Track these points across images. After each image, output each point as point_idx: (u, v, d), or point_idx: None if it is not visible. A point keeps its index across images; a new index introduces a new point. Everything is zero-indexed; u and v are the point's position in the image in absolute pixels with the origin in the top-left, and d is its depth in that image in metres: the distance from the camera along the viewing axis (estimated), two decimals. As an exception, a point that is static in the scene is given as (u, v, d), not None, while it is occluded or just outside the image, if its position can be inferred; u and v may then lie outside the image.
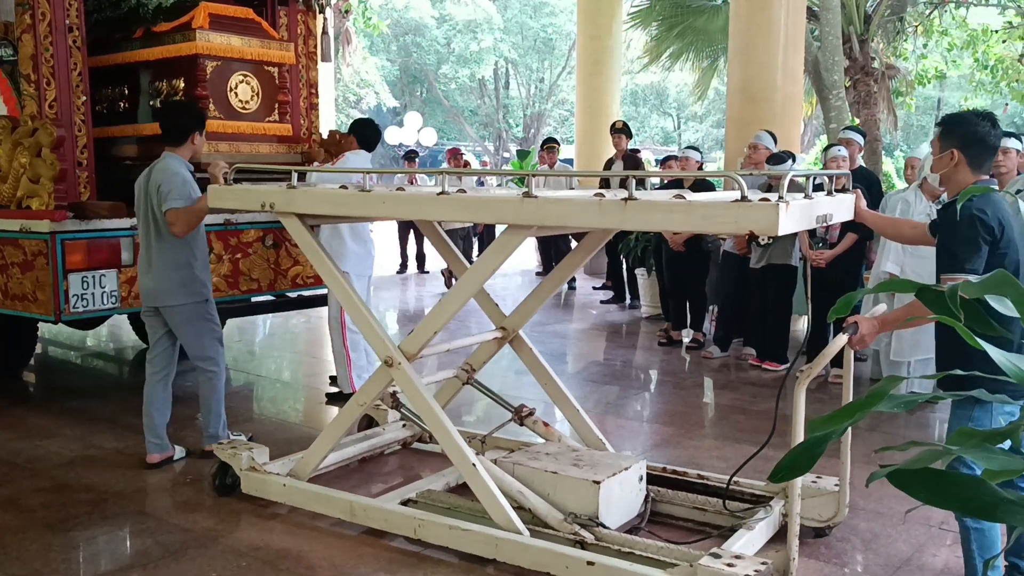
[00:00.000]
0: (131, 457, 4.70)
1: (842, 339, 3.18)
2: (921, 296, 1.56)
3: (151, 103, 5.87)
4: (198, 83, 5.56)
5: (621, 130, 9.54)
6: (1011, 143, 4.93)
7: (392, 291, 11.78)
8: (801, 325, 8.03)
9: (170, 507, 4.04)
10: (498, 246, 3.53)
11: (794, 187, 3.14)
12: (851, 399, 3.69)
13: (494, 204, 3.46)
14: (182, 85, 5.68)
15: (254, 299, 6.16)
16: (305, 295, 6.39)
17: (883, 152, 13.80)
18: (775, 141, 7.10)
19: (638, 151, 11.35)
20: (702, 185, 6.51)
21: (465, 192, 3.56)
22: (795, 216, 2.87)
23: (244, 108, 5.84)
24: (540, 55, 34.53)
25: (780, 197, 2.79)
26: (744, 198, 2.81)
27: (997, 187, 3.09)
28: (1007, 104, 17.17)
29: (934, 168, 3.04)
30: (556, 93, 34.55)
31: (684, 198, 2.98)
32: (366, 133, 5.85)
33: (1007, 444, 1.64)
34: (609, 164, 9.87)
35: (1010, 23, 13.82)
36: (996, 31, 14.29)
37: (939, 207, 2.79)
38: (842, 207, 3.44)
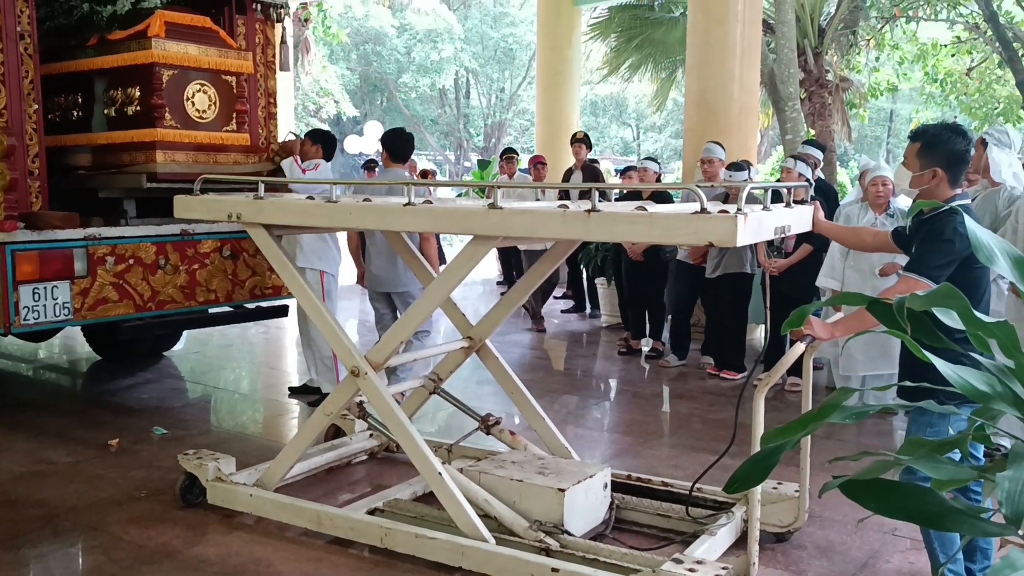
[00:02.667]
0: (84, 471, 4.62)
1: (799, 348, 3.24)
2: (871, 309, 1.60)
3: (105, 112, 5.78)
4: (154, 92, 5.49)
5: (581, 140, 9.59)
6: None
7: (353, 300, 11.71)
8: (759, 334, 8.13)
9: (124, 521, 3.96)
10: (464, 257, 3.55)
11: (753, 198, 3.20)
12: (809, 407, 3.76)
13: (460, 215, 3.48)
14: (137, 94, 5.60)
15: (212, 310, 6.09)
16: (263, 306, 6.33)
17: (838, 162, 14.05)
18: (724, 150, 7.19)
19: (597, 161, 11.43)
20: (661, 196, 6.58)
21: (431, 203, 3.57)
22: (753, 228, 2.91)
23: (201, 117, 5.78)
24: (501, 65, 34.63)
25: (738, 209, 2.83)
26: (703, 210, 2.85)
27: (969, 200, 3.17)
28: (956, 116, 17.57)
29: (913, 184, 3.07)
30: (517, 103, 34.66)
31: (646, 210, 3.03)
32: (327, 142, 5.94)
33: (958, 453, 1.68)
34: (568, 174, 9.92)
35: (958, 38, 14.18)
36: (945, 45, 14.66)
37: (911, 220, 2.86)
38: (800, 219, 3.50)
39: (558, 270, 8.66)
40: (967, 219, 1.69)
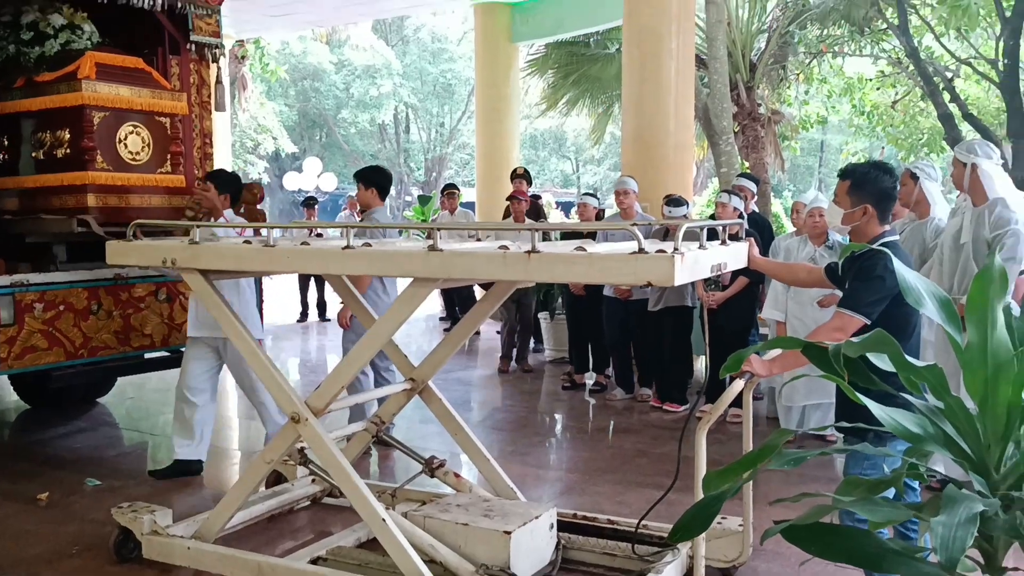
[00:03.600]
0: (11, 527, 4.44)
1: (739, 384, 3.29)
2: (807, 353, 1.63)
3: (33, 155, 5.65)
4: (84, 134, 5.39)
5: (522, 176, 9.65)
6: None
7: (293, 340, 11.56)
8: (700, 365, 8.23)
9: (56, 582, 3.82)
10: (404, 299, 3.53)
11: (690, 235, 3.25)
12: (751, 438, 3.81)
13: (400, 258, 3.45)
14: (67, 136, 5.49)
15: (148, 355, 5.95)
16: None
17: (772, 194, 14.38)
18: (636, 183, 7.28)
19: (539, 197, 11.51)
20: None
21: (371, 246, 3.55)
22: (690, 266, 2.95)
23: (134, 159, 5.68)
24: (440, 100, 34.79)
25: (675, 249, 2.87)
26: (641, 250, 2.88)
27: (897, 236, 3.27)
28: (883, 147, 18.17)
29: (844, 221, 3.18)
30: (457, 137, 34.82)
31: (585, 250, 3.04)
32: (233, 186, 5.47)
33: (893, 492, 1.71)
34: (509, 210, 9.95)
35: (883, 72, 14.69)
36: (870, 80, 15.16)
37: (843, 257, 2.94)
38: (736, 255, 3.57)
39: (529, 318, 8.69)
40: (896, 261, 1.73)
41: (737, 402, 5.71)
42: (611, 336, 7.43)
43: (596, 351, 7.92)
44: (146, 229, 4.25)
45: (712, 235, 3.71)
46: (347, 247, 3.41)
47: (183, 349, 6.08)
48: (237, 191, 5.39)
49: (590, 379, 7.93)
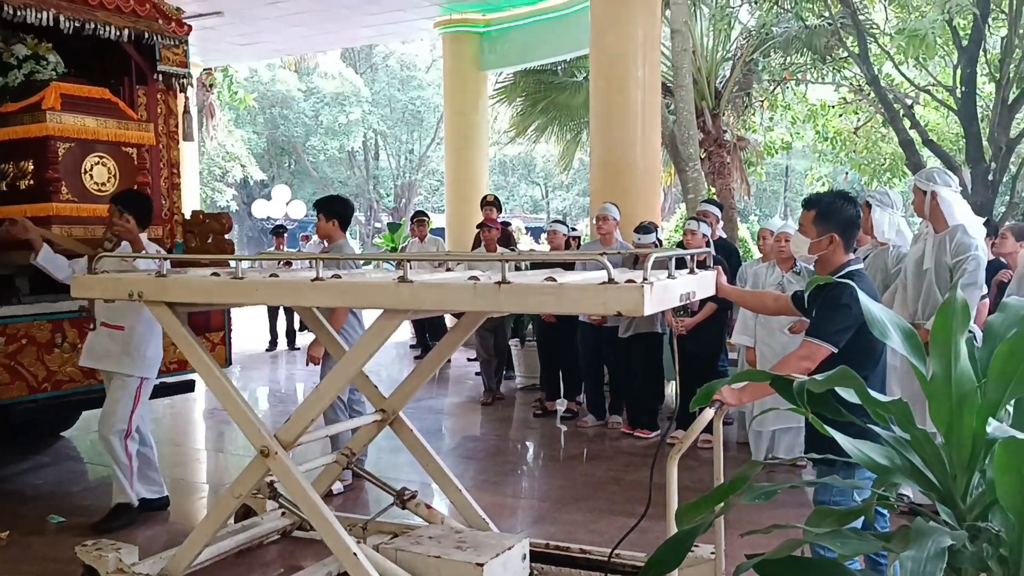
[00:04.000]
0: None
1: (709, 413, 3.30)
2: (775, 386, 1.64)
3: (-4, 185, 5.58)
4: (49, 165, 5.33)
5: (492, 203, 9.67)
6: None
7: (262, 370, 11.45)
8: (669, 390, 8.25)
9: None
10: (375, 331, 3.51)
11: (659, 264, 3.28)
12: (721, 466, 3.82)
13: (370, 289, 3.43)
14: (31, 168, 5.43)
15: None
16: (168, 382, 6.11)
17: (738, 218, 14.55)
18: (619, 211, 7.33)
19: (509, 224, 11.54)
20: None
21: (340, 277, 3.52)
22: (659, 296, 2.96)
23: (100, 190, 5.62)
24: (409, 127, 34.87)
25: (645, 279, 2.88)
26: (611, 280, 2.89)
27: (861, 264, 3.33)
28: (847, 173, 18.46)
29: (811, 250, 3.24)
30: (426, 163, 34.88)
31: (555, 280, 3.04)
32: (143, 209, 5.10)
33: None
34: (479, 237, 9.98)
35: (844, 99, 14.96)
36: (833, 106, 15.44)
37: (808, 290, 2.99)
38: (704, 283, 3.60)
39: (504, 346, 8.67)
40: (860, 294, 1.76)
41: (708, 428, 5.78)
42: (586, 361, 7.45)
43: (567, 378, 7.93)
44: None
45: (681, 263, 3.74)
46: (316, 279, 3.38)
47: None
48: (146, 212, 5.05)
49: (561, 406, 7.93)
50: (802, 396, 1.42)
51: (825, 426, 1.54)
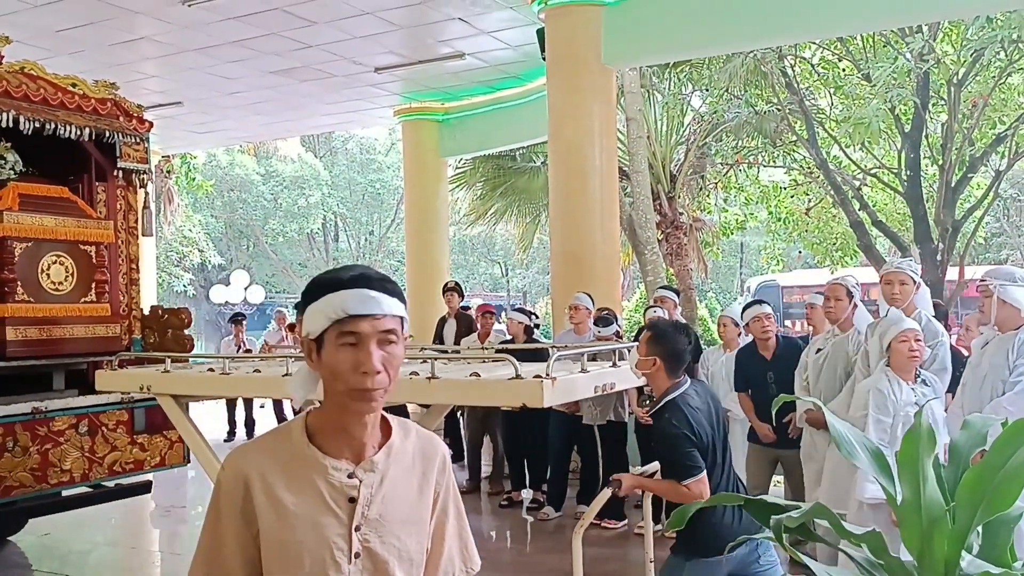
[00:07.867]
0: None
1: (607, 493, 3.64)
2: (747, 507, 1.65)
3: (-49, 286, 5.47)
4: (4, 266, 5.26)
5: (453, 289, 9.71)
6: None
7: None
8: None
9: None
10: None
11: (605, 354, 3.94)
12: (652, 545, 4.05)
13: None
14: (-13, 267, 5.35)
15: (65, 492, 5.67)
16: (124, 483, 5.95)
17: (697, 298, 14.75)
18: (592, 300, 7.41)
19: (468, 308, 11.55)
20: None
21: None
22: (563, 389, 3.48)
23: (57, 289, 5.55)
24: (369, 209, 35.05)
25: (547, 374, 3.37)
26: (518, 376, 3.40)
27: (686, 387, 3.46)
28: (800, 251, 18.86)
29: (639, 366, 3.50)
30: (386, 244, 34.98)
31: (479, 375, 3.64)
32: None
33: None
34: (442, 323, 9.97)
35: (795, 181, 15.38)
36: (784, 188, 15.86)
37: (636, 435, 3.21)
38: (626, 376, 3.90)
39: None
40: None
41: (618, 512, 5.78)
42: (555, 450, 7.37)
43: (532, 467, 7.85)
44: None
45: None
46: (286, 375, 3.96)
47: (106, 483, 5.86)
48: None
49: (527, 496, 7.82)
50: (779, 534, 1.43)
51: (800, 555, 1.54)
